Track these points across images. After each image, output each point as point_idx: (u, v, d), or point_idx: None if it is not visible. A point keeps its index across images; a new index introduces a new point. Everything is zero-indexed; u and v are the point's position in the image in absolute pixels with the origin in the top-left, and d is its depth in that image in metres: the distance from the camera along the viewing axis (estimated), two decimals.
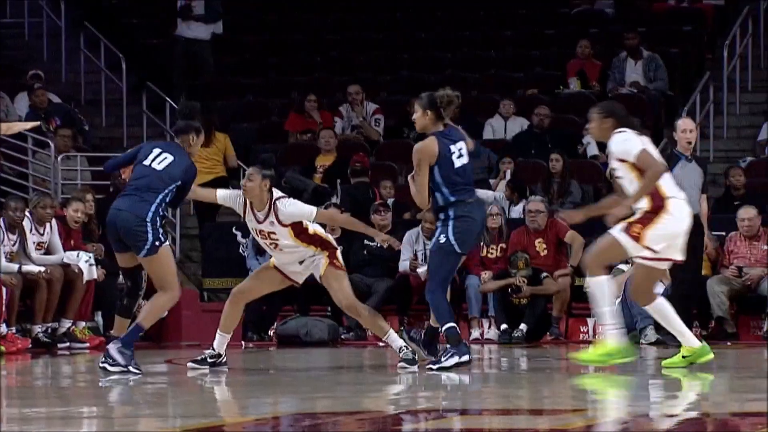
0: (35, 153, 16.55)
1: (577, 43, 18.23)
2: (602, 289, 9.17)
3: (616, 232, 8.95)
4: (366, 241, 14.53)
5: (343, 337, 14.61)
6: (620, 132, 9.06)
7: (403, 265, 14.71)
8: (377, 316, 10.58)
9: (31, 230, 13.50)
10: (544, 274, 14.14)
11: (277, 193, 9.93)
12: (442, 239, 9.63)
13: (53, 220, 13.68)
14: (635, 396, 8.27)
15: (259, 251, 14.42)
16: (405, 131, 17.59)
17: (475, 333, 14.26)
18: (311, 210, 10.09)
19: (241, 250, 15.34)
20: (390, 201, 15.51)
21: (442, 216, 9.69)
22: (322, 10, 20.68)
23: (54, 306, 13.49)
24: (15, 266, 13.29)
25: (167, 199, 9.74)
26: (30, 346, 13.04)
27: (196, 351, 10.94)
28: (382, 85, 19.02)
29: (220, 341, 10.03)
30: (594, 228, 10.59)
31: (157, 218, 9.59)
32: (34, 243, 13.54)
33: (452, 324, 9.69)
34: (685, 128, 12.33)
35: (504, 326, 13.99)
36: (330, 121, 17.89)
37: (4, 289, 12.65)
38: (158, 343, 14.62)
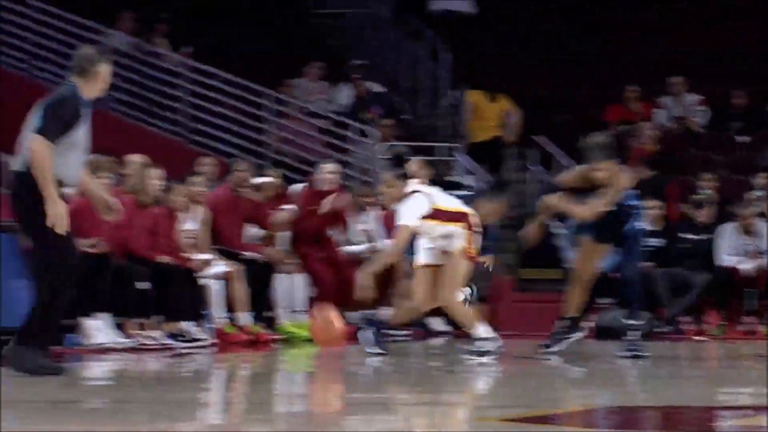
0: (357, 142, 16.90)
1: None
2: None
3: None
4: (688, 235, 14.37)
5: (657, 330, 14.20)
6: None
7: (724, 259, 14.42)
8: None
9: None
10: None
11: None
12: None
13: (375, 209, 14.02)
14: None
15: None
16: (726, 123, 17.34)
17: None
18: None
19: (556, 241, 15.15)
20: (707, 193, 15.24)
21: None
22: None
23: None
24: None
25: None
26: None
27: (513, 341, 11.11)
28: (706, 76, 18.56)
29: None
30: None
31: None
32: (357, 230, 13.85)
33: None
34: None
35: None
36: (650, 112, 17.74)
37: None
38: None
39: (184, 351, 11.80)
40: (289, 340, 13.18)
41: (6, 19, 17.13)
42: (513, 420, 6.15)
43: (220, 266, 12.40)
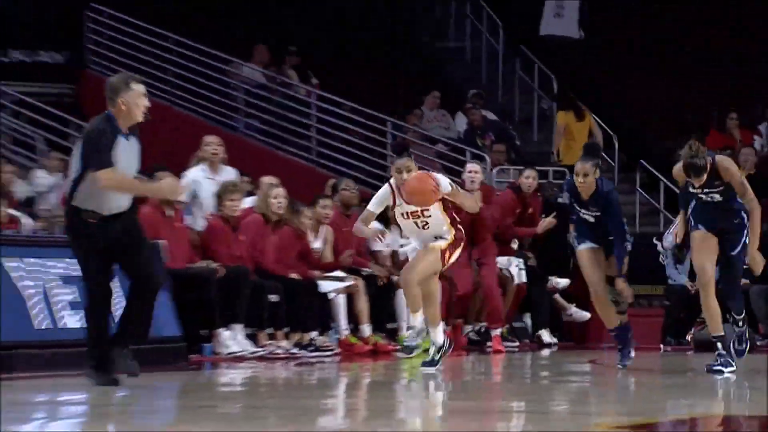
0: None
1: None
2: None
3: None
4: None
5: (759, 343, 14.35)
6: None
7: None
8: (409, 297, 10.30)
9: None
10: None
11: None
12: None
13: None
14: None
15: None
16: None
17: None
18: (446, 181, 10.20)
19: (660, 259, 15.56)
20: None
21: None
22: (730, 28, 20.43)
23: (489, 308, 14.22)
24: None
25: None
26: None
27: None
28: None
29: None
30: None
31: None
32: None
33: None
34: None
35: None
36: (750, 138, 17.81)
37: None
38: (581, 345, 15.33)
39: (310, 360, 12.32)
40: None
41: (151, 52, 18.27)
42: (624, 427, 6.34)
43: (344, 281, 13.03)
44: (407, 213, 10.20)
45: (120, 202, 8.48)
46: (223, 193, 12.43)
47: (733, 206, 10.09)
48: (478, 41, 20.77)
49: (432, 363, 10.21)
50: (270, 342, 12.35)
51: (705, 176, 9.84)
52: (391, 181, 10.23)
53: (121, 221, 8.53)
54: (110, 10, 18.69)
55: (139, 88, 8.52)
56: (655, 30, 20.55)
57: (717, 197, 10.03)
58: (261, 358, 12.06)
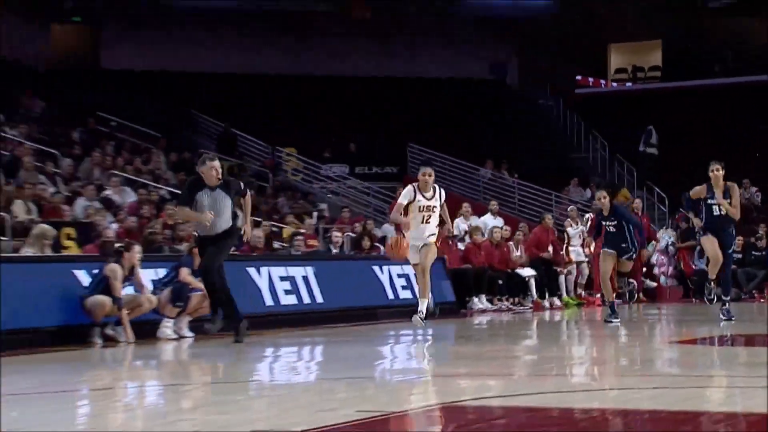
0: None
1: None
2: None
3: None
4: None
5: (743, 297, 22.93)
6: None
7: None
8: (426, 280, 13.92)
9: None
10: None
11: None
12: None
13: None
14: None
15: None
16: None
17: None
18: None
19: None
20: None
21: None
22: None
23: None
24: None
25: None
26: None
27: None
28: None
29: None
30: None
31: None
32: None
33: None
34: None
35: None
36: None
37: None
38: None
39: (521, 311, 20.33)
40: (567, 306, 21.63)
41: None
42: None
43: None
44: (423, 206, 13.75)
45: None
46: None
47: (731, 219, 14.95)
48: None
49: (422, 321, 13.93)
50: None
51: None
52: (415, 184, 13.90)
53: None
54: None
55: (207, 166, 13.06)
56: None
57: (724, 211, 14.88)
58: (496, 311, 20.18)
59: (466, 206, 22.77)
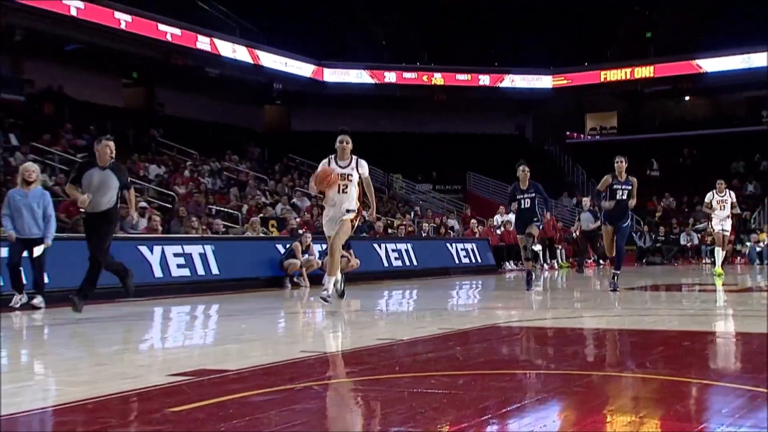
0: None
1: None
2: None
3: None
4: None
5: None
6: None
7: None
8: (335, 259, 12.44)
9: None
10: None
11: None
12: None
13: None
14: None
15: None
16: None
17: None
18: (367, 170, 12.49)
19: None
20: None
21: None
22: None
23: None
24: None
25: None
26: None
27: None
28: None
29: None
30: None
31: None
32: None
33: None
34: None
35: None
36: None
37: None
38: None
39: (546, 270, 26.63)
40: (561, 268, 28.43)
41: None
42: None
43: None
44: (338, 174, 12.31)
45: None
46: None
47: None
48: None
49: (327, 300, 12.47)
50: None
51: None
52: (332, 155, 12.63)
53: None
54: None
55: (103, 145, 12.11)
56: None
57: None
58: (520, 270, 24.59)
59: (501, 208, 30.42)
